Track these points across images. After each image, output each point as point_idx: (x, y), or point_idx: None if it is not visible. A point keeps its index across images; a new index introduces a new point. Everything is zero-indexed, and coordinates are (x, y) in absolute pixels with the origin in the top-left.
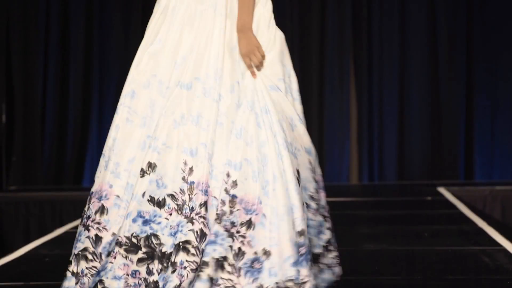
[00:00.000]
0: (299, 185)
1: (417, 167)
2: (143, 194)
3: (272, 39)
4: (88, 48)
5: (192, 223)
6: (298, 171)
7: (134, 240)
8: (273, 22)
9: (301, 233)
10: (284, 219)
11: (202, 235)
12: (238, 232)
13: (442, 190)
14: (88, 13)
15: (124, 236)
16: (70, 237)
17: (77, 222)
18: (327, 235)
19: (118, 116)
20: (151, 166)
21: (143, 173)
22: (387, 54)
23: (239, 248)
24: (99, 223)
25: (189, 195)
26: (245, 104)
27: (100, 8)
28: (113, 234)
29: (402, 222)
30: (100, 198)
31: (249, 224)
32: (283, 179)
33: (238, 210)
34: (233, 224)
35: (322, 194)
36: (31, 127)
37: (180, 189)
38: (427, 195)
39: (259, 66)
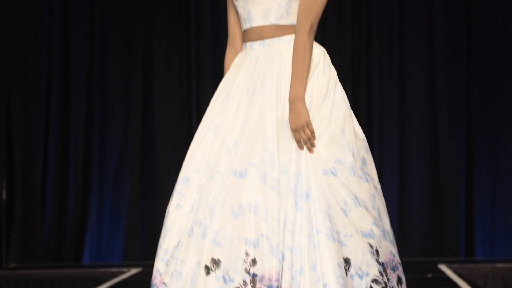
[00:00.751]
0: (346, 274)
1: (418, 244)
2: None
3: (327, 117)
4: (88, 123)
5: None
6: (347, 259)
7: None
8: (332, 94)
9: None
10: None
11: None
12: None
13: (443, 267)
14: (88, 91)
15: None
16: None
17: None
18: None
19: (172, 202)
20: (216, 262)
21: (208, 270)
22: (387, 131)
23: None
24: None
25: (252, 287)
26: (289, 188)
27: (100, 84)
28: None
29: None
30: (151, 286)
31: None
32: (314, 272)
33: None
34: None
35: (393, 275)
36: (31, 204)
37: (243, 280)
38: (427, 272)
39: (307, 143)
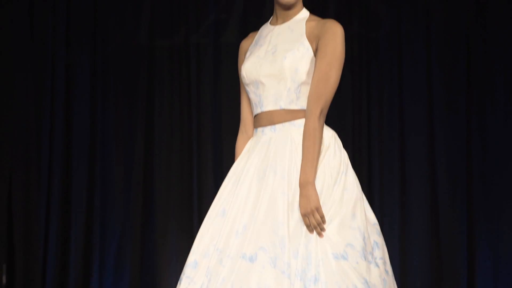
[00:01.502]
0: None
1: None
2: None
3: (337, 200)
4: (89, 206)
5: None
6: None
7: None
8: (343, 178)
9: None
10: None
11: None
12: None
13: None
14: (90, 175)
15: None
16: None
17: None
18: None
19: (180, 287)
20: None
21: None
22: (388, 214)
23: None
24: None
25: None
26: (297, 271)
27: (102, 166)
28: None
29: None
30: None
31: None
32: None
33: None
34: None
35: None
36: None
37: None
38: None
39: (317, 228)
